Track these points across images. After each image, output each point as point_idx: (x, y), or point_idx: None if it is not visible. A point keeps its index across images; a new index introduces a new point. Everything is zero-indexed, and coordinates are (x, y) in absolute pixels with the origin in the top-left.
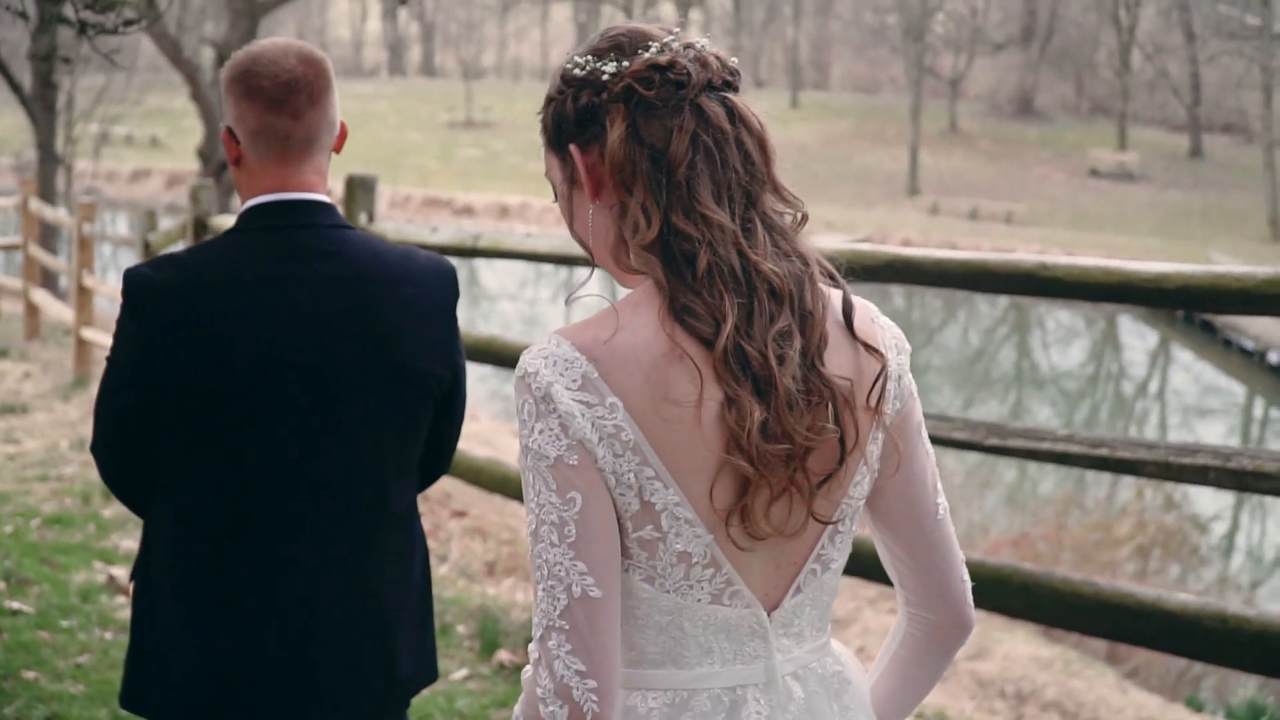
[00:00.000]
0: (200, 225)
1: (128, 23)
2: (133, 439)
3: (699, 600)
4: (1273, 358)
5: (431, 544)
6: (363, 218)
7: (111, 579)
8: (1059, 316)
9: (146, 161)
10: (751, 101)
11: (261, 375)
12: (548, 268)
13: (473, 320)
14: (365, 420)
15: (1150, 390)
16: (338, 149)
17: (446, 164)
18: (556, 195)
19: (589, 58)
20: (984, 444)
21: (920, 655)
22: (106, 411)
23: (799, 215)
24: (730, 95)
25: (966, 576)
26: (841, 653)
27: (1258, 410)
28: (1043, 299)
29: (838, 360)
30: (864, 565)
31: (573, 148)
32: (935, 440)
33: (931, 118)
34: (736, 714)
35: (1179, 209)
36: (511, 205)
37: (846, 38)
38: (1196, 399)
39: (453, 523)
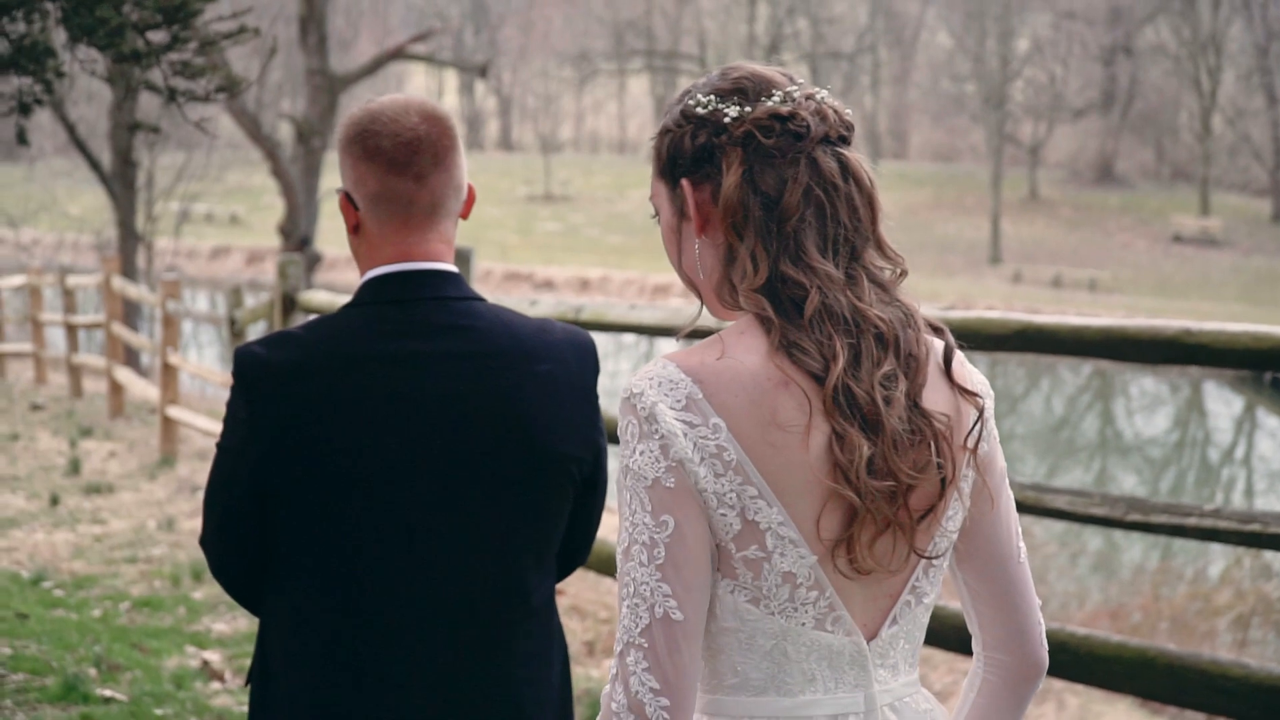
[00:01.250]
0: (289, 301)
1: (220, 90)
2: (245, 531)
3: (803, 624)
4: None
5: None
6: None
7: (206, 664)
8: (1143, 383)
9: (226, 239)
10: (864, 158)
11: (385, 464)
12: (629, 339)
13: None
14: (499, 510)
15: (1236, 457)
16: (465, 214)
17: (526, 238)
18: (659, 221)
19: (712, 97)
20: (1124, 520)
21: (999, 701)
22: (217, 501)
23: (899, 271)
24: (844, 150)
25: (1041, 619)
26: (930, 695)
27: None
28: (1188, 367)
29: (937, 401)
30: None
31: (685, 182)
32: (1072, 516)
33: (1011, 185)
34: None
35: (1264, 274)
36: (592, 279)
37: (924, 106)
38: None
39: None
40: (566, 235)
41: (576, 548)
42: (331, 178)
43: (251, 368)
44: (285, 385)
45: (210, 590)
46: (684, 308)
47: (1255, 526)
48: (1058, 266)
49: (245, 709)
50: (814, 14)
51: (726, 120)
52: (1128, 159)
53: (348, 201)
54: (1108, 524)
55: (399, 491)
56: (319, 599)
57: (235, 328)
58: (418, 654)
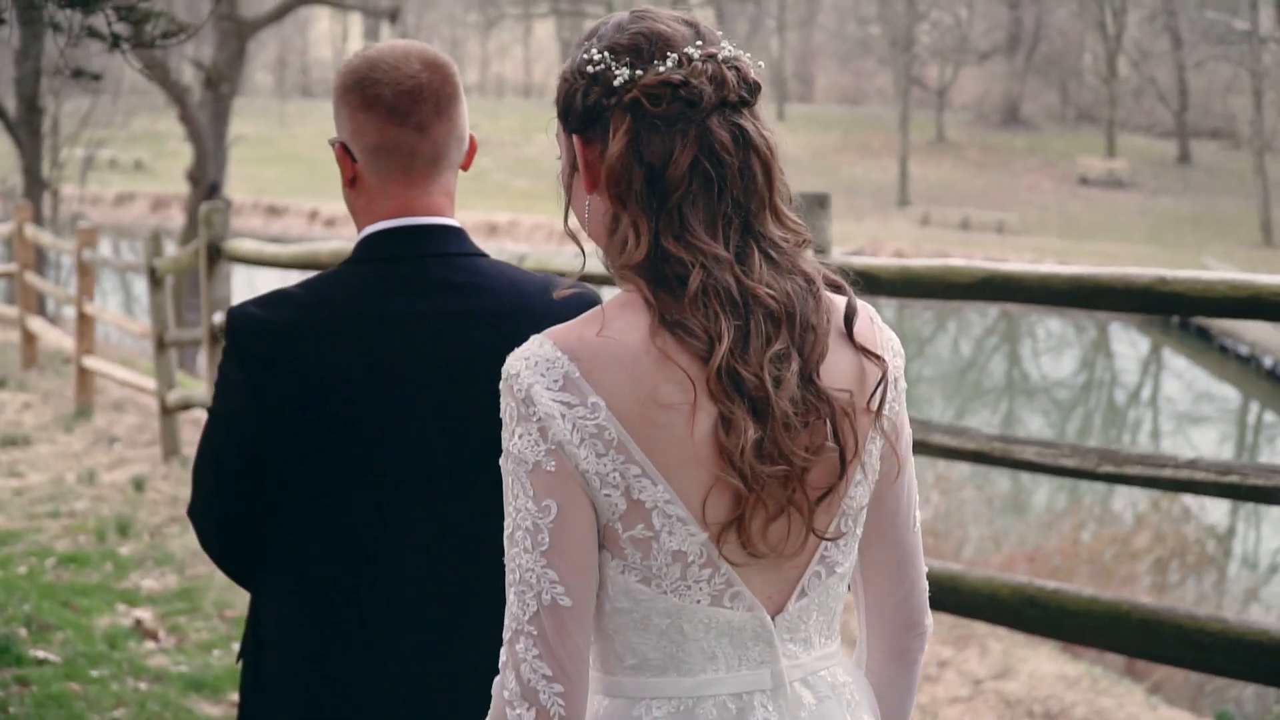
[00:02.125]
0: (214, 250)
1: (165, 35)
2: (239, 502)
3: (698, 601)
4: (1268, 362)
5: None
6: None
7: (139, 623)
8: (1049, 325)
9: (131, 185)
10: (763, 124)
11: (388, 429)
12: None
13: None
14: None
15: (1143, 398)
16: (466, 166)
17: None
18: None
19: (605, 54)
20: (1096, 471)
21: (890, 669)
22: (209, 470)
23: (801, 240)
24: (741, 118)
25: (926, 585)
26: (852, 667)
27: (1252, 416)
28: (1160, 315)
29: (839, 369)
30: None
31: (576, 139)
32: (1041, 468)
33: (918, 128)
34: None
35: (1170, 215)
36: (500, 223)
37: (831, 49)
38: (1191, 406)
39: None
40: (474, 179)
41: None
42: (239, 124)
43: (247, 329)
44: (283, 347)
45: (137, 546)
46: None
47: (1234, 478)
48: (965, 209)
49: (182, 669)
50: None
51: (615, 82)
52: (1033, 101)
53: (345, 153)
54: (1079, 475)
55: (403, 456)
56: (318, 571)
57: (155, 276)
58: (422, 626)
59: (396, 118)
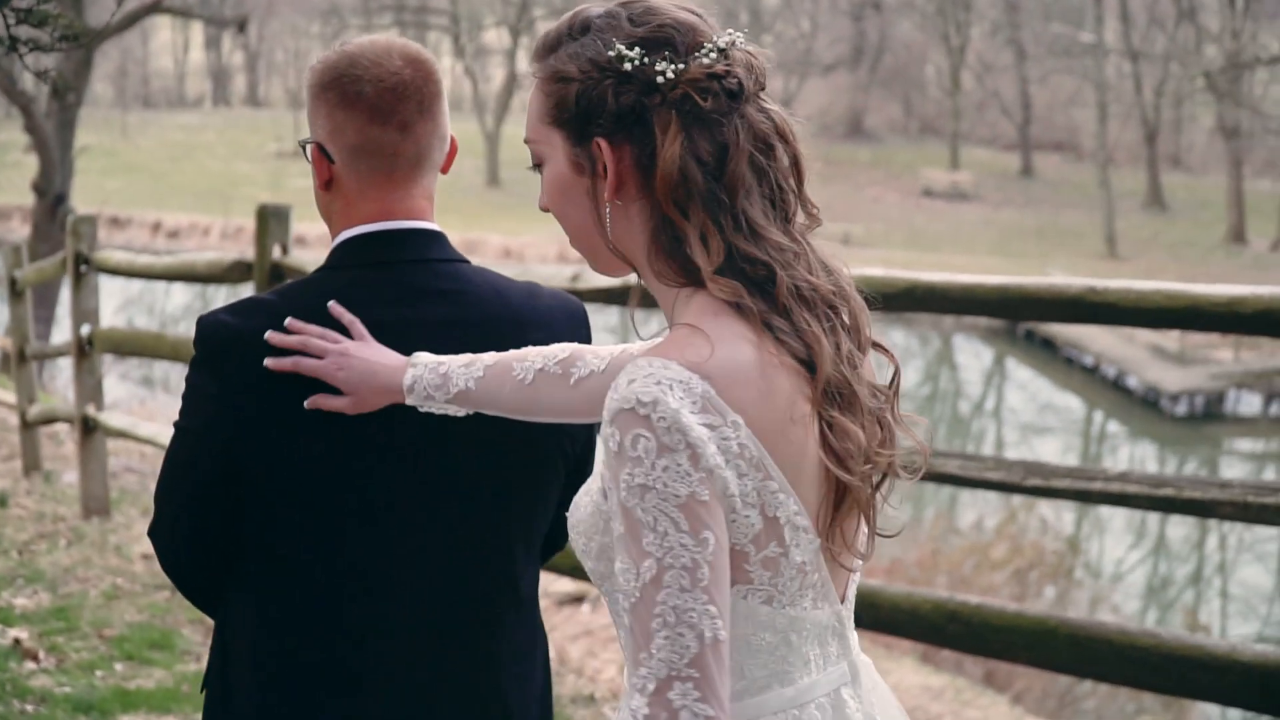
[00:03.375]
0: (81, 259)
1: (64, 38)
2: (208, 520)
3: (805, 609)
4: (1111, 372)
5: None
6: (276, 251)
7: (17, 642)
8: (893, 335)
9: None
10: (782, 107)
11: (369, 443)
12: None
13: None
14: (491, 491)
15: (988, 409)
16: (446, 168)
17: (277, 194)
18: (541, 171)
19: (638, 49)
20: (1023, 485)
21: None
22: (177, 488)
23: (815, 223)
24: (767, 104)
25: None
26: None
27: (1096, 426)
28: (1091, 325)
29: (865, 365)
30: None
31: (602, 143)
32: (965, 482)
33: None
34: (841, 716)
35: (1013, 227)
36: None
37: None
38: (1036, 416)
39: None
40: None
41: (559, 532)
42: (81, 135)
43: (220, 338)
44: (259, 357)
45: (6, 563)
46: (530, 268)
47: (1168, 491)
48: None
49: (66, 690)
50: None
51: (659, 80)
52: (877, 114)
53: (320, 154)
54: (1004, 489)
55: (385, 472)
56: (294, 593)
57: (15, 288)
58: (406, 654)
59: (379, 116)
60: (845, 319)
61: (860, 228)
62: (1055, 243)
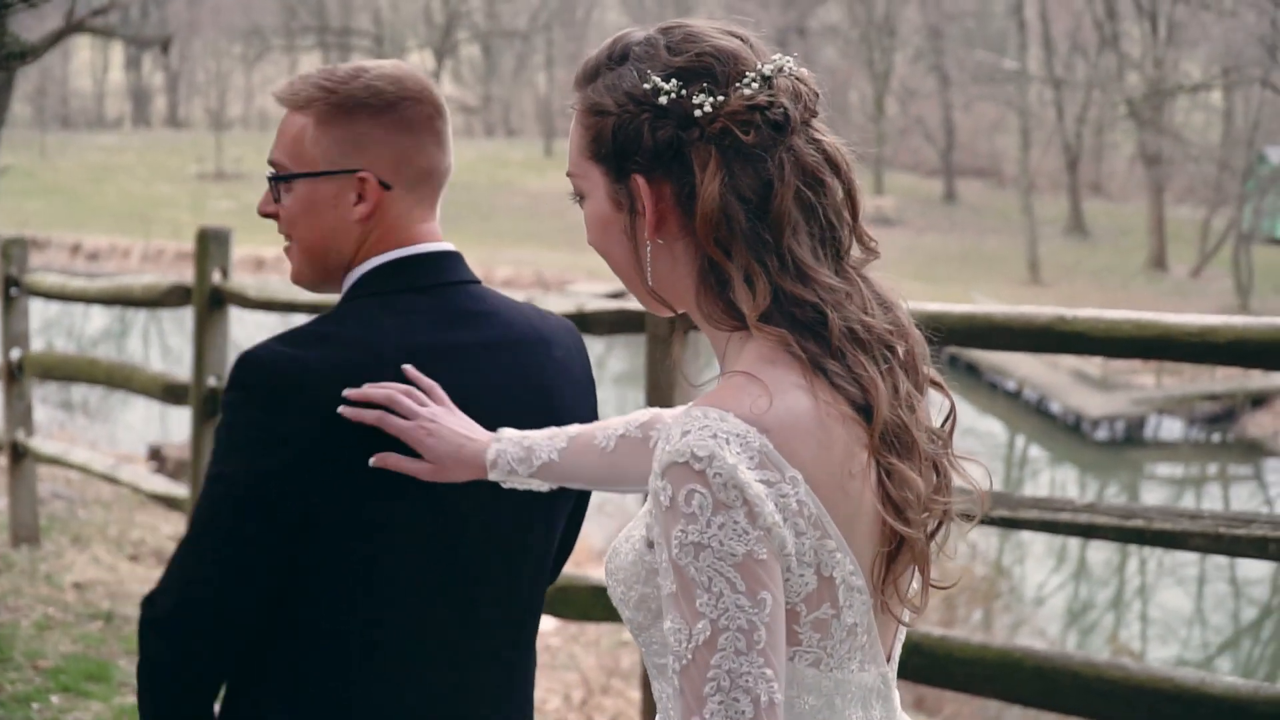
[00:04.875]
0: (10, 283)
1: (10, 56)
2: (255, 587)
3: (852, 671)
4: (1033, 397)
5: None
6: (216, 275)
7: None
8: None
9: None
10: (836, 137)
11: (452, 510)
12: (299, 318)
13: None
14: (532, 517)
15: None
16: None
17: (199, 216)
18: (582, 205)
19: (674, 81)
20: (990, 516)
21: None
22: (218, 550)
23: (872, 255)
24: (820, 133)
25: None
26: None
27: (1018, 451)
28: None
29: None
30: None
31: (639, 179)
32: None
33: None
34: None
35: (938, 253)
36: (268, 258)
37: None
38: (958, 440)
39: None
40: (240, 214)
41: (564, 556)
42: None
43: (285, 372)
44: (328, 398)
45: None
46: None
47: (1138, 522)
48: None
49: None
50: None
51: (697, 114)
52: None
53: (376, 183)
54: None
55: (446, 499)
56: (333, 680)
57: None
58: (468, 690)
59: (437, 139)
60: (902, 357)
61: None
62: (978, 268)
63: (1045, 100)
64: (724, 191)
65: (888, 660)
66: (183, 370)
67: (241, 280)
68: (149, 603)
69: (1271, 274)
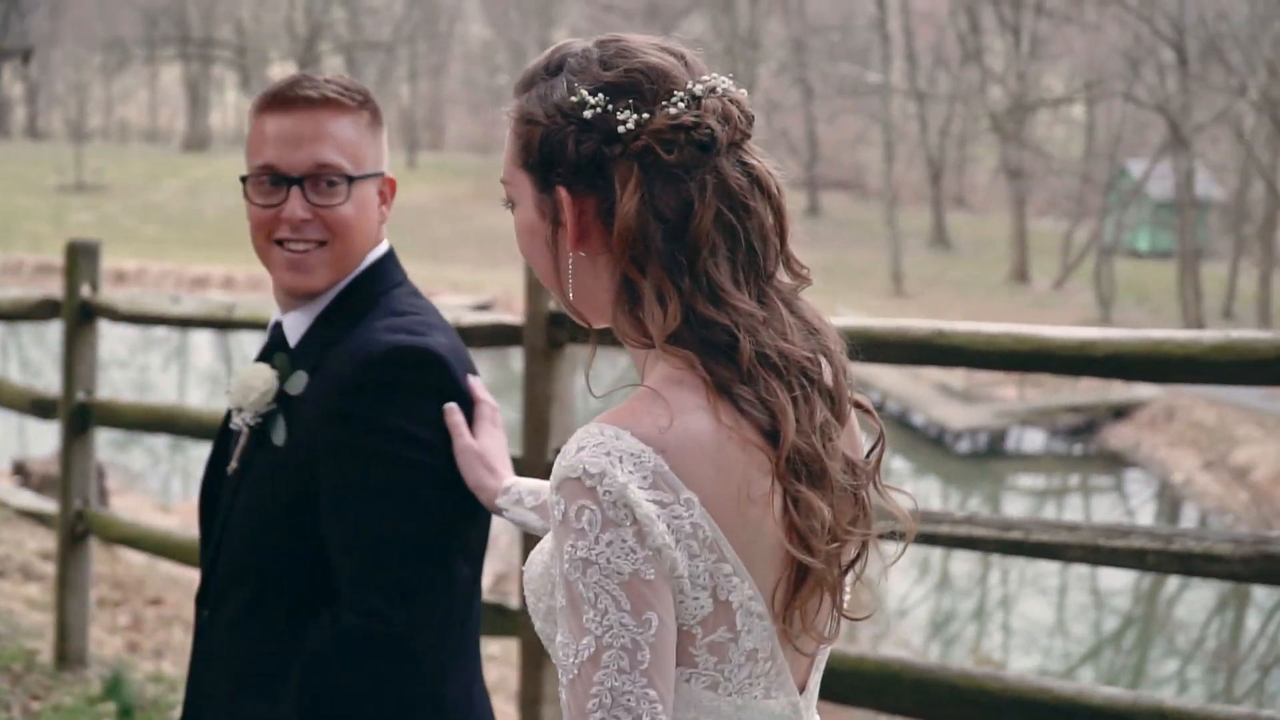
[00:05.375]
0: None
1: None
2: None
3: (755, 697)
4: (895, 409)
5: (136, 637)
6: (85, 289)
7: None
8: None
9: None
10: (768, 160)
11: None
12: (160, 332)
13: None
14: None
15: None
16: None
17: (59, 228)
18: (514, 211)
19: (601, 96)
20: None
21: None
22: (438, 535)
23: (802, 283)
24: (749, 156)
25: None
26: None
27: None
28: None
29: (846, 433)
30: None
31: (563, 192)
32: None
33: None
34: None
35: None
36: (128, 270)
37: (462, 97)
38: None
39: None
40: (101, 226)
41: None
42: None
43: (440, 360)
44: (463, 376)
45: None
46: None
47: (1017, 534)
48: None
49: None
50: (352, 4)
51: (620, 130)
52: None
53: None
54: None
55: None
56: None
57: None
58: None
59: None
60: (827, 384)
61: None
62: (843, 280)
63: (909, 113)
64: (642, 209)
65: (801, 689)
66: (43, 384)
67: (113, 296)
68: (382, 618)
69: (1133, 286)
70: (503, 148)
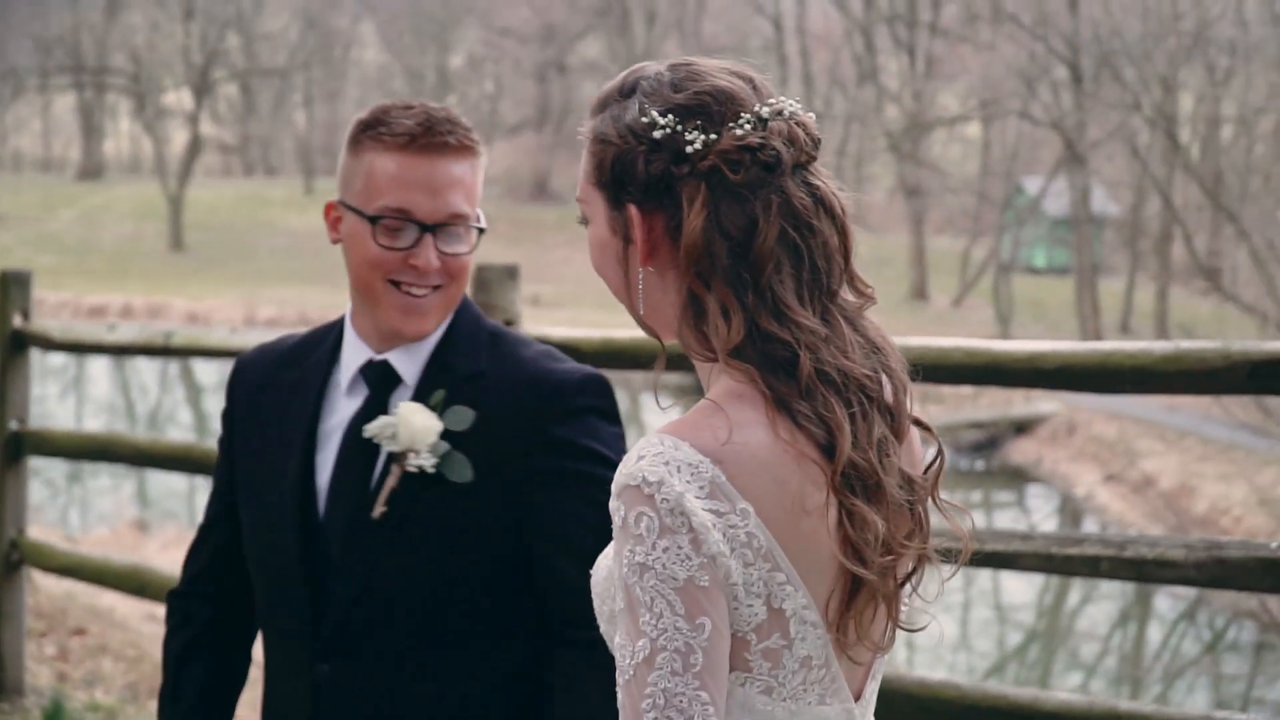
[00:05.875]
0: None
1: None
2: None
3: (809, 703)
4: None
5: (64, 668)
6: (17, 318)
7: None
8: None
9: None
10: (833, 181)
11: None
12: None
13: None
14: None
15: None
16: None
17: None
18: (586, 224)
19: (670, 117)
20: None
21: None
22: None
23: (867, 302)
24: (813, 176)
25: None
26: None
27: None
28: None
29: (907, 450)
30: None
31: (633, 209)
32: None
33: None
34: None
35: None
36: (48, 301)
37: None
38: None
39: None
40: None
41: None
42: None
43: (611, 387)
44: None
45: None
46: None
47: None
48: None
49: None
50: (247, 31)
51: (689, 150)
52: (562, 175)
53: None
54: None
55: None
56: None
57: None
58: None
59: None
60: (888, 402)
61: (549, 288)
62: None
63: None
64: (708, 226)
65: (857, 698)
66: None
67: (46, 324)
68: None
69: (1031, 303)
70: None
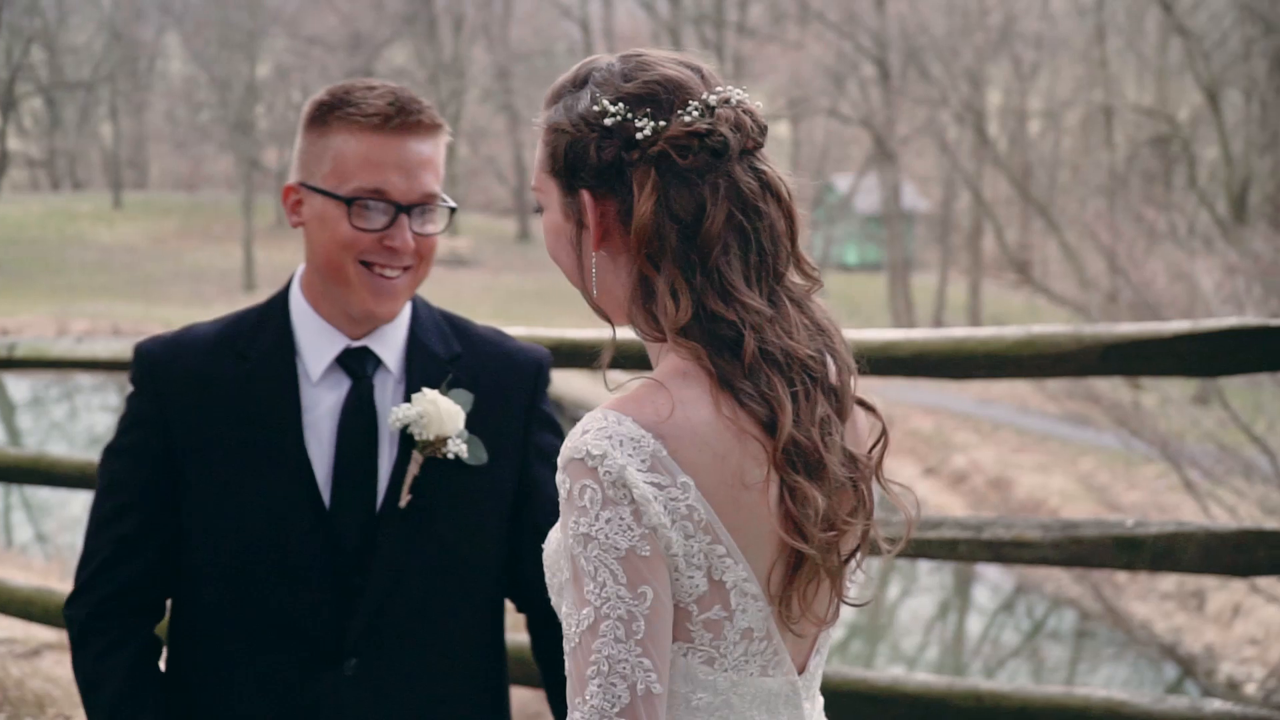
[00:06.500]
0: None
1: None
2: None
3: (751, 674)
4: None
5: None
6: None
7: None
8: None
9: None
10: (779, 167)
11: None
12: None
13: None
14: None
15: None
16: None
17: None
18: (542, 213)
19: (621, 105)
20: None
21: None
22: None
23: (814, 285)
24: (760, 162)
25: None
26: None
27: None
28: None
29: (850, 428)
30: None
31: (586, 195)
32: None
33: (260, 212)
34: None
35: (514, 291)
36: None
37: (166, 134)
38: None
39: None
40: None
41: None
42: None
43: None
44: None
45: None
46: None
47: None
48: None
49: None
50: (51, 44)
51: (638, 136)
52: None
53: None
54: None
55: None
56: None
57: None
58: None
59: None
60: (831, 382)
61: None
62: (556, 305)
63: None
64: (658, 210)
65: (801, 670)
66: None
67: None
68: None
69: (844, 299)
70: (207, 186)
